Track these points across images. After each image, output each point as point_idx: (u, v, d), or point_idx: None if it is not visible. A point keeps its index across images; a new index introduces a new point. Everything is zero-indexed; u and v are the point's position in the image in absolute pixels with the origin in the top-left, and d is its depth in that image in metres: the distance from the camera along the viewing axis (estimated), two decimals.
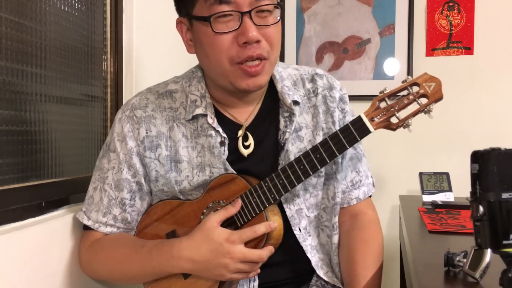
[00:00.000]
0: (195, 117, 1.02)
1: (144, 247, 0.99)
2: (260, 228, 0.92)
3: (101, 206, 1.05)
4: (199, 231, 0.93)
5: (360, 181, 1.12)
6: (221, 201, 0.99)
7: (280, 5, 0.96)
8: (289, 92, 1.05)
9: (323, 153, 0.91)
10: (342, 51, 2.18)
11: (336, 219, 1.11)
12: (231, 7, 0.90)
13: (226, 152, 1.02)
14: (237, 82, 0.95)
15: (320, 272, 1.04)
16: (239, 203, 0.95)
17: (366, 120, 0.90)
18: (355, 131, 0.90)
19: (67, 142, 1.19)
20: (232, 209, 0.95)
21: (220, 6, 0.90)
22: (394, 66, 2.12)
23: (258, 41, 0.92)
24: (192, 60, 1.07)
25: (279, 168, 0.95)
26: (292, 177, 0.93)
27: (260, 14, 0.93)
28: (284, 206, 1.03)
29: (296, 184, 0.93)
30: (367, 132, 0.90)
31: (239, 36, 0.91)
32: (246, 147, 1.03)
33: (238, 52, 0.92)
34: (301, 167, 0.92)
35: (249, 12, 0.91)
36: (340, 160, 1.07)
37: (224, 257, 0.90)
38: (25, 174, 1.02)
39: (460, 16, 2.05)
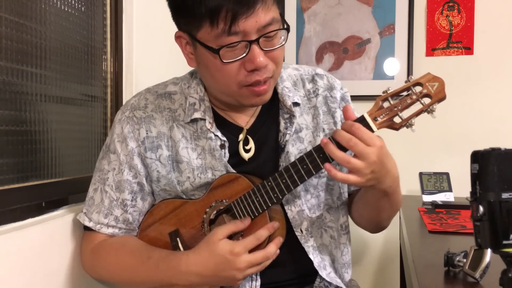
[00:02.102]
0: (194, 120, 1.02)
1: (151, 259, 0.98)
2: (263, 234, 0.93)
3: (102, 208, 1.05)
4: (205, 245, 0.94)
5: None
6: (224, 200, 0.99)
7: (288, 28, 0.94)
8: (289, 93, 1.04)
9: (326, 152, 0.91)
10: (342, 51, 2.18)
11: (345, 218, 1.10)
12: (239, 37, 0.88)
13: (227, 155, 1.02)
14: (244, 101, 0.96)
15: (323, 273, 1.04)
16: (248, 220, 0.96)
17: (369, 120, 0.90)
18: None
19: (67, 142, 1.19)
20: (241, 225, 0.95)
21: (229, 37, 0.87)
22: (394, 66, 2.12)
23: (265, 65, 0.91)
24: None
25: (282, 168, 0.95)
26: (295, 176, 0.93)
27: (266, 38, 0.91)
28: (285, 207, 1.03)
29: (299, 183, 0.93)
30: (370, 131, 0.90)
31: (247, 63, 0.90)
32: (247, 151, 1.03)
33: (246, 76, 0.91)
34: (304, 166, 0.92)
35: (257, 40, 0.89)
36: None
37: (231, 269, 0.91)
38: (25, 174, 1.02)
39: (460, 16, 2.05)
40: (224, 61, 0.89)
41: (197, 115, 1.01)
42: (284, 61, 1.00)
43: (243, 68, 0.91)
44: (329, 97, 1.08)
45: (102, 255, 1.04)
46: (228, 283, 0.94)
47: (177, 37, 0.98)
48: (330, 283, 1.05)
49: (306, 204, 1.04)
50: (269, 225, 0.94)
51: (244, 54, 0.89)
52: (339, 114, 1.07)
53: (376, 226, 1.11)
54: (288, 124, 1.04)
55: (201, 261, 0.93)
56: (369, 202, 1.02)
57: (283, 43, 0.94)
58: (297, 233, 1.03)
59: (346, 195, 1.09)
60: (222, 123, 1.03)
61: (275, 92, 1.05)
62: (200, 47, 0.92)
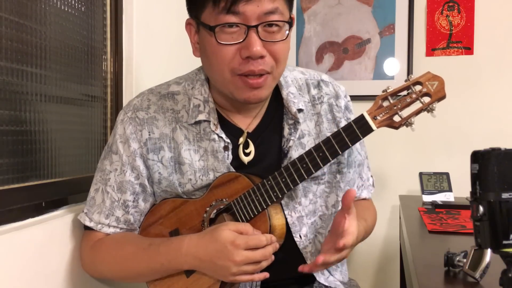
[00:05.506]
0: (197, 121, 1.02)
1: (152, 245, 0.99)
2: (266, 238, 0.92)
3: (103, 208, 1.04)
4: (210, 231, 0.93)
5: (362, 185, 1.13)
6: (224, 199, 0.99)
7: (290, 22, 0.94)
8: (294, 99, 1.04)
9: (326, 151, 0.91)
10: (342, 51, 2.18)
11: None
12: (239, 19, 0.88)
13: (230, 157, 1.01)
14: (237, 93, 0.95)
15: (321, 278, 1.04)
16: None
17: (368, 119, 0.90)
18: (357, 129, 0.90)
19: (66, 142, 1.19)
20: (245, 229, 0.93)
21: (227, 16, 0.88)
22: (394, 66, 2.12)
23: (262, 57, 0.91)
24: (193, 61, 1.07)
25: (282, 166, 0.95)
26: (294, 175, 0.93)
27: (268, 28, 0.91)
28: (286, 212, 1.02)
29: (299, 182, 0.93)
30: (370, 130, 0.90)
31: (243, 49, 0.90)
32: (247, 154, 1.02)
33: (240, 64, 0.91)
34: (304, 165, 0.92)
35: (256, 26, 0.89)
36: (345, 169, 1.07)
37: (228, 259, 0.90)
38: (25, 174, 1.02)
39: (460, 16, 2.05)
40: (220, 42, 0.90)
41: (201, 117, 1.00)
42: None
43: (238, 55, 0.91)
44: (334, 106, 1.08)
45: (103, 249, 1.04)
46: (223, 274, 0.93)
47: (187, 24, 1.00)
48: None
49: (304, 210, 1.04)
50: (268, 236, 0.93)
51: (242, 40, 0.90)
52: (343, 124, 1.06)
53: None
54: (292, 130, 1.03)
55: (202, 245, 0.93)
56: None
57: (285, 37, 0.93)
58: (296, 239, 1.03)
59: (341, 204, 1.09)
60: (224, 125, 1.03)
61: (280, 97, 1.05)
62: (203, 30, 0.93)
